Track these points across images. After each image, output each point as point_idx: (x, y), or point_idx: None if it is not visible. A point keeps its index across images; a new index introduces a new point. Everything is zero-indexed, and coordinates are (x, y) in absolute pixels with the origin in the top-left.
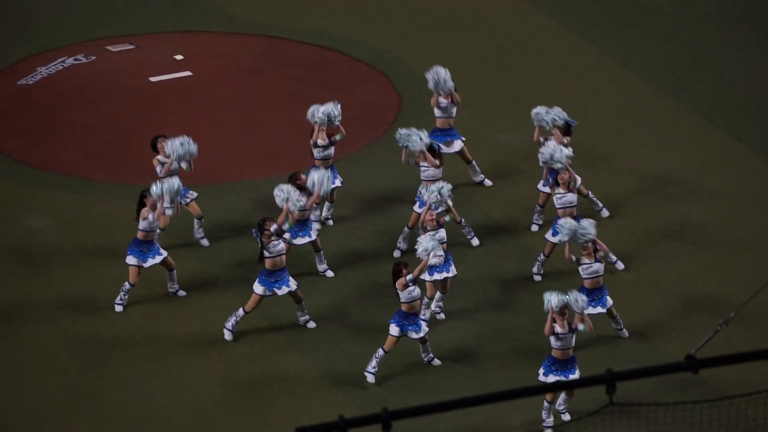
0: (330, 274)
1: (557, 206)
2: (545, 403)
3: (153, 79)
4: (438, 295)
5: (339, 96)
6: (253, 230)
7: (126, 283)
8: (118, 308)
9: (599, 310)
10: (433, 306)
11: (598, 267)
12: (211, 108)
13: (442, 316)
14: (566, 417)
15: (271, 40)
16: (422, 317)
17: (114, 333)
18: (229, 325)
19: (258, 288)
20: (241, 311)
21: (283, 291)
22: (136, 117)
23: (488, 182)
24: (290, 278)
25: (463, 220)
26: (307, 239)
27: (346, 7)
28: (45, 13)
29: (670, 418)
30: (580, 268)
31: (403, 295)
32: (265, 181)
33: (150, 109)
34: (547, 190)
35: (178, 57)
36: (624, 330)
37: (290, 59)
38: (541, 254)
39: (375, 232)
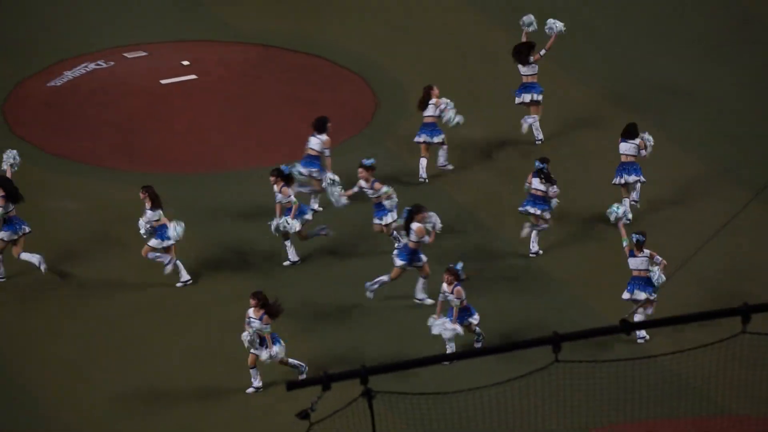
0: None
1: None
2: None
3: (163, 81)
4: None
5: (324, 96)
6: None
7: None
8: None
9: None
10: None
11: None
12: (213, 106)
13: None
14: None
15: (267, 49)
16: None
17: (121, 312)
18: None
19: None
20: (385, 277)
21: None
22: (148, 113)
23: (449, 166)
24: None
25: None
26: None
27: (330, 18)
28: (71, 25)
29: (605, 374)
30: None
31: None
32: (260, 169)
33: (160, 107)
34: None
35: (185, 62)
36: None
37: (283, 65)
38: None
39: (352, 224)
